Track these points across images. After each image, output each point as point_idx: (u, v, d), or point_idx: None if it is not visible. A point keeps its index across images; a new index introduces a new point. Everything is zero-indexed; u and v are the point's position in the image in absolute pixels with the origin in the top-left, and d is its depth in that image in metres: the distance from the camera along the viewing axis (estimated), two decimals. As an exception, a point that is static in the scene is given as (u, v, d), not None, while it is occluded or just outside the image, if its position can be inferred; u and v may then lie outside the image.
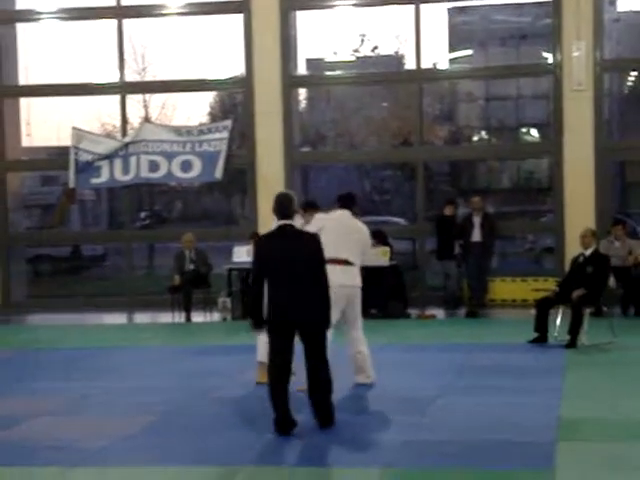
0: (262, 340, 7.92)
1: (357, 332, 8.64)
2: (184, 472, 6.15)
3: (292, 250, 6.95)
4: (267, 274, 6.97)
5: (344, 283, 8.20)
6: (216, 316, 14.32)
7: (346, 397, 8.20)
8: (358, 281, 8.58)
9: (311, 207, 9.02)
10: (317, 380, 6.98)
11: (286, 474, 6.17)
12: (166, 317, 14.45)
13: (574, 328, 10.69)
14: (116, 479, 6.09)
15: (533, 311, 11.27)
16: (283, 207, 7.09)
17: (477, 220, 14.58)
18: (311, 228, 8.09)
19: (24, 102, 17.71)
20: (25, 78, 17.47)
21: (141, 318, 15.23)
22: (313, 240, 7.08)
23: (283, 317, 6.91)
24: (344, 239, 8.42)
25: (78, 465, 6.37)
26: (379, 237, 14.13)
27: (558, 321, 11.11)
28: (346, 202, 8.86)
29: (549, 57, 16.02)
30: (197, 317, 14.28)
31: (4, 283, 16.46)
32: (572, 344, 10.64)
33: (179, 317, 14.24)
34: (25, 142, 18.58)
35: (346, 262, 8.39)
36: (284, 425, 6.89)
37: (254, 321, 7.06)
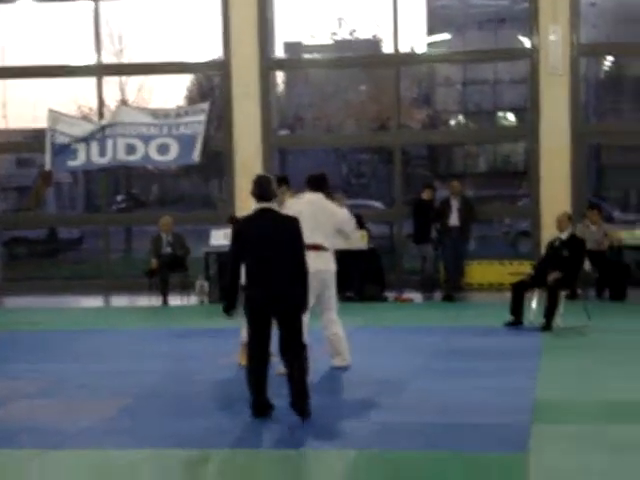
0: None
1: (331, 314, 8.66)
2: (160, 454, 6.17)
3: (271, 233, 6.90)
4: (245, 257, 6.92)
5: (319, 268, 8.20)
6: (193, 299, 14.31)
7: (322, 379, 8.25)
8: (332, 266, 8.59)
9: (283, 182, 8.81)
10: (293, 366, 6.91)
11: (261, 457, 6.20)
12: (143, 300, 14.44)
13: (550, 311, 10.77)
14: (93, 461, 6.10)
15: (509, 294, 11.35)
16: (262, 189, 7.03)
17: (455, 204, 14.63)
18: (287, 212, 8.08)
19: (0, 83, 17.54)
20: (1, 59, 17.31)
21: (118, 301, 15.20)
22: (293, 224, 7.03)
23: (260, 301, 6.87)
24: (318, 223, 8.39)
25: (56, 447, 6.38)
26: (356, 221, 14.14)
27: (534, 304, 11.19)
28: (318, 184, 8.77)
29: (526, 41, 16.06)
30: (174, 300, 14.27)
31: (-20, 266, 16.36)
32: (548, 327, 10.72)
33: (156, 300, 14.22)
34: (0, 124, 18.42)
35: (320, 247, 8.39)
36: (260, 408, 6.91)
37: (227, 305, 7.00)
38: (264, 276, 6.85)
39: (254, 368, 6.93)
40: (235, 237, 7.04)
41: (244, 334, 7.98)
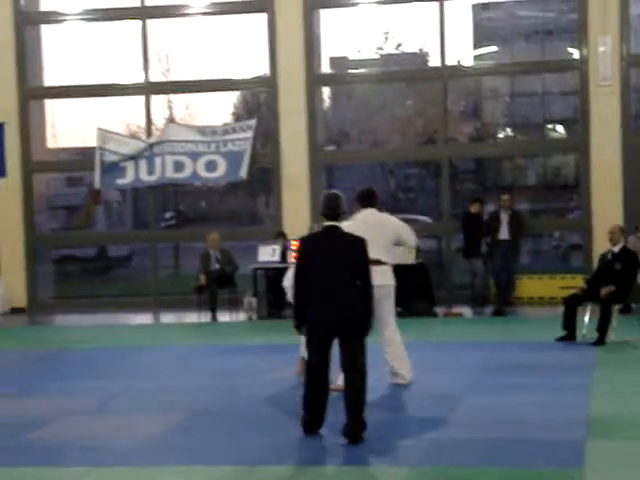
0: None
1: (388, 331, 8.57)
2: (212, 472, 6.13)
3: (337, 252, 6.78)
4: (310, 274, 6.78)
5: (378, 283, 8.13)
6: (242, 316, 14.32)
7: (378, 395, 8.15)
8: (390, 281, 8.53)
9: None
10: (352, 389, 6.74)
11: (312, 474, 6.13)
12: (192, 317, 14.47)
13: (603, 325, 10.59)
14: (144, 478, 6.08)
15: (561, 309, 11.19)
16: (330, 208, 6.91)
17: (505, 217, 14.50)
18: None
19: (49, 103, 17.77)
20: (51, 79, 17.53)
21: (167, 318, 15.26)
22: (359, 243, 6.88)
23: (322, 319, 6.74)
24: (374, 239, 8.30)
25: (108, 465, 6.37)
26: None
27: (586, 319, 11.02)
28: (368, 199, 8.72)
29: (575, 52, 15.90)
30: (223, 317, 14.29)
31: (31, 284, 16.53)
32: (601, 341, 10.55)
33: (205, 317, 14.25)
34: (50, 143, 18.66)
35: (378, 262, 8.31)
36: (311, 425, 6.82)
37: (297, 322, 6.89)
38: (328, 294, 6.72)
39: (311, 386, 6.80)
40: (299, 254, 6.95)
41: (303, 349, 7.94)
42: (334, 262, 6.74)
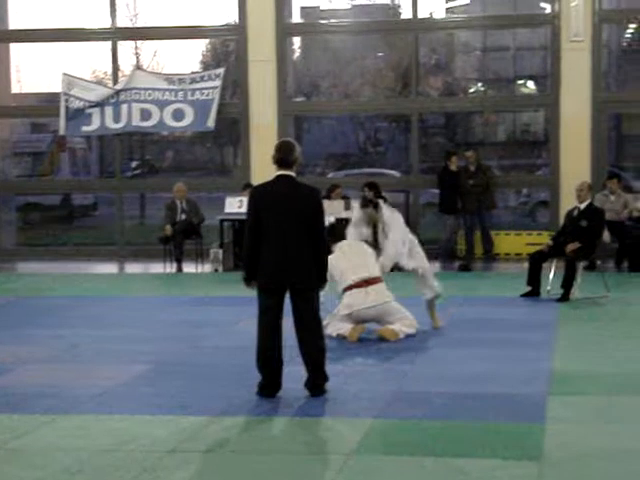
0: None
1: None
2: (173, 421, 6.09)
3: (289, 202, 6.51)
4: (261, 225, 6.50)
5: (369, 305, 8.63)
6: (207, 267, 14.24)
7: (333, 347, 8.15)
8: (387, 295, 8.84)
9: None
10: (307, 345, 6.60)
11: (271, 425, 6.12)
12: (157, 267, 14.37)
13: (567, 282, 10.63)
14: (107, 426, 6.03)
15: (526, 264, 11.22)
16: (284, 155, 6.64)
17: (472, 172, 14.46)
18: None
19: (14, 47, 17.40)
20: (15, 23, 17.15)
21: (132, 268, 15.15)
22: (313, 194, 6.65)
23: (273, 274, 6.52)
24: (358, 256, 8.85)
25: (69, 412, 6.33)
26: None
27: (551, 275, 11.06)
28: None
29: (547, 7, 15.79)
30: (188, 268, 14.20)
31: (-6, 231, 16.34)
32: (565, 298, 10.60)
33: (170, 267, 14.16)
34: (15, 88, 18.31)
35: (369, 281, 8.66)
36: (269, 388, 6.62)
37: (247, 276, 6.62)
38: (279, 245, 6.49)
39: (264, 346, 6.57)
40: (251, 205, 6.63)
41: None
42: (287, 212, 6.49)
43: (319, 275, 6.64)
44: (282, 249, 6.51)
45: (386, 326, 8.67)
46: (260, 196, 6.65)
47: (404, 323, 8.78)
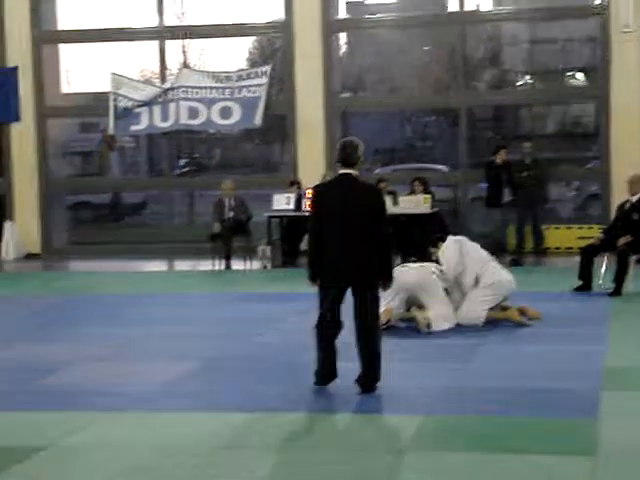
0: None
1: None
2: (223, 418, 6.11)
3: (352, 201, 6.55)
4: (323, 223, 6.57)
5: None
6: (256, 264, 14.27)
7: (388, 345, 8.10)
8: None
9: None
10: (363, 346, 6.63)
11: (324, 422, 6.11)
12: (206, 265, 14.43)
13: (619, 276, 10.49)
14: (161, 423, 6.07)
15: (578, 259, 11.08)
16: (347, 155, 6.64)
17: (527, 166, 14.29)
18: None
19: (64, 48, 17.58)
20: (64, 24, 17.32)
21: (181, 266, 15.24)
22: (375, 192, 6.74)
23: (336, 272, 6.57)
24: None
25: (122, 410, 6.37)
26: (422, 184, 14.11)
27: (603, 269, 10.91)
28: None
29: (596, -2, 15.58)
30: (237, 265, 14.24)
31: (45, 230, 16.54)
32: (617, 292, 10.45)
33: (219, 265, 14.22)
34: (64, 88, 18.49)
35: None
36: (324, 378, 6.72)
37: (311, 273, 6.67)
38: (342, 244, 6.53)
39: (324, 336, 6.66)
40: (313, 204, 6.72)
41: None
42: (349, 211, 6.53)
43: (384, 273, 6.65)
44: (344, 248, 6.54)
45: (421, 311, 8.61)
46: (322, 195, 6.72)
47: (440, 313, 8.69)
